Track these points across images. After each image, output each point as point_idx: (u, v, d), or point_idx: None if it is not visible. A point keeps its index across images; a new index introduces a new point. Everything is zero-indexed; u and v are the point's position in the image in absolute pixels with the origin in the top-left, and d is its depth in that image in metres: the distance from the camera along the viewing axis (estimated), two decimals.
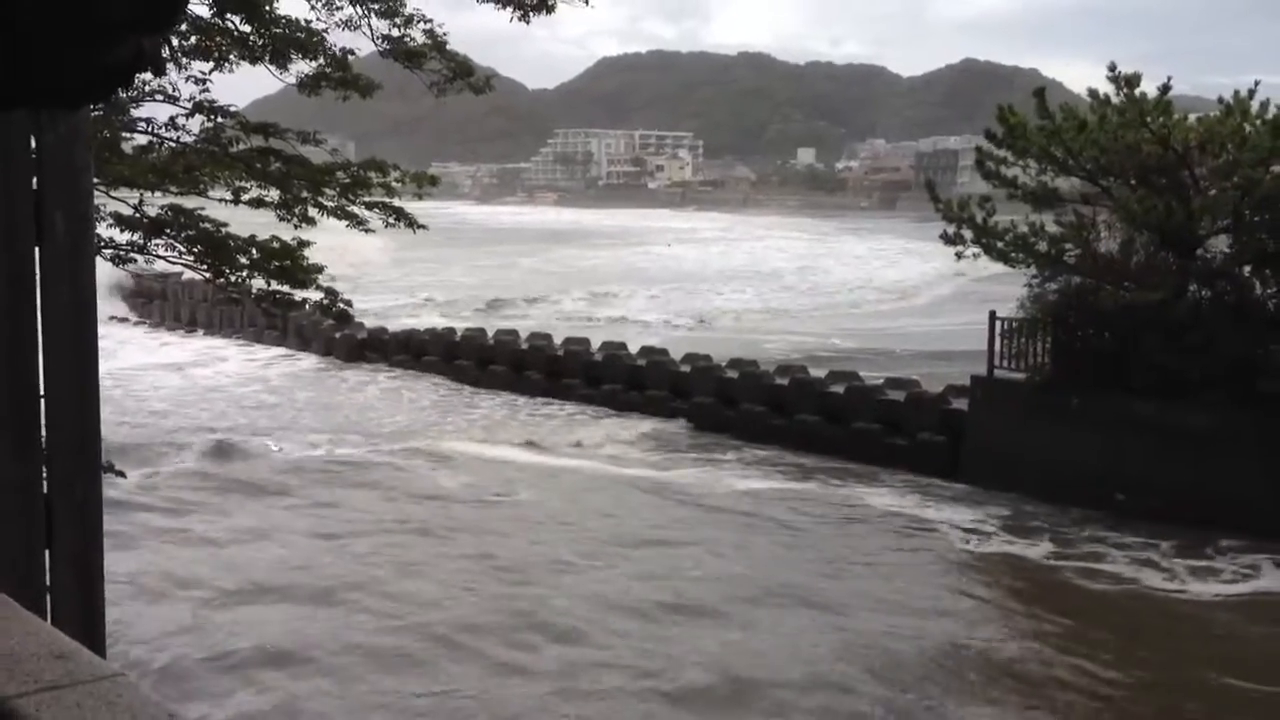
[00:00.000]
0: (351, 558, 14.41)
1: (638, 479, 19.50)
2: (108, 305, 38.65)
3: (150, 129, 11.13)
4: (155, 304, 40.62)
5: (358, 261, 51.28)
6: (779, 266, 69.89)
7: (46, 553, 3.55)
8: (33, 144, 3.57)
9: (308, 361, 31.70)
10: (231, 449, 20.36)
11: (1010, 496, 17.90)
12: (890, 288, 57.64)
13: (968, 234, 18.87)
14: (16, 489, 3.45)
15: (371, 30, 10.97)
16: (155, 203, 11.32)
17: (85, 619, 3.56)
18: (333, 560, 14.27)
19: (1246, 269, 17.73)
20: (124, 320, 38.90)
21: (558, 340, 28.99)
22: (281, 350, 33.23)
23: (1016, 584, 14.71)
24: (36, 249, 3.59)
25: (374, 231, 12.80)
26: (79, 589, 3.61)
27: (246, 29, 10.54)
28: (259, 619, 12.03)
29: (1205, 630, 12.96)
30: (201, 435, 21.39)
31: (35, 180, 3.58)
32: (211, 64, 10.52)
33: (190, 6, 9.99)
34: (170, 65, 10.24)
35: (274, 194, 11.74)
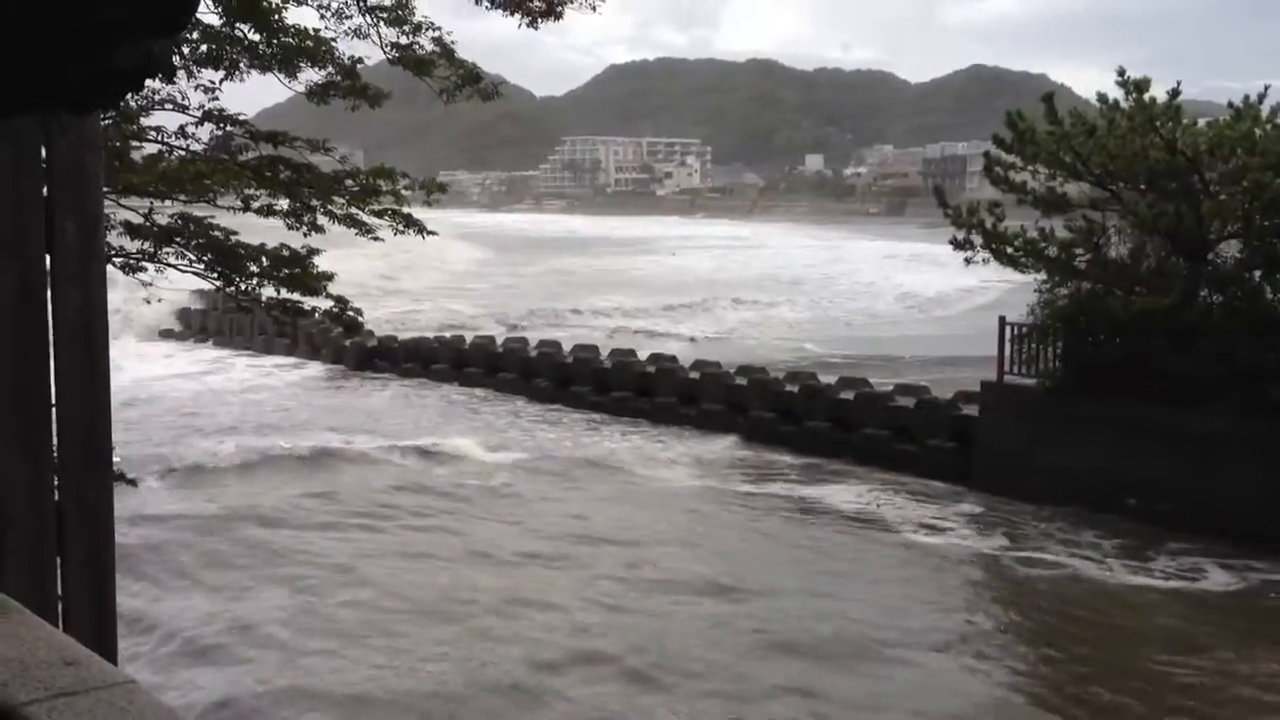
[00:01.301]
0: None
1: (625, 475, 20.03)
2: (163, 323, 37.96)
3: (160, 137, 11.14)
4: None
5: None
6: (799, 274, 69.49)
7: (58, 559, 3.55)
8: (43, 151, 3.57)
9: (316, 370, 31.73)
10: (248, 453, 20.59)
11: (981, 496, 18.36)
12: (920, 296, 56.18)
13: (977, 239, 18.83)
14: (28, 495, 3.45)
15: (380, 38, 10.97)
16: (165, 211, 11.34)
17: (96, 626, 3.56)
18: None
19: (1257, 274, 17.67)
20: (168, 332, 38.05)
21: (566, 348, 29.11)
22: (291, 359, 33.29)
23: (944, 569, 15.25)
24: (47, 256, 3.59)
25: (381, 240, 12.79)
26: (90, 596, 3.60)
27: (256, 37, 10.56)
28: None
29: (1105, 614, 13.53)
30: (216, 442, 21.51)
31: (46, 187, 3.58)
32: (222, 72, 10.53)
33: (201, 14, 10.02)
34: (180, 73, 10.26)
35: (283, 202, 11.75)
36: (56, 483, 3.56)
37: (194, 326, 38.61)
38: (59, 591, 3.54)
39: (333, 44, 10.87)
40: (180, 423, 23.69)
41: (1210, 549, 15.48)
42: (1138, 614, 13.56)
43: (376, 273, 53.11)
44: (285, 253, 11.63)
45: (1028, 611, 13.99)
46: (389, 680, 10.83)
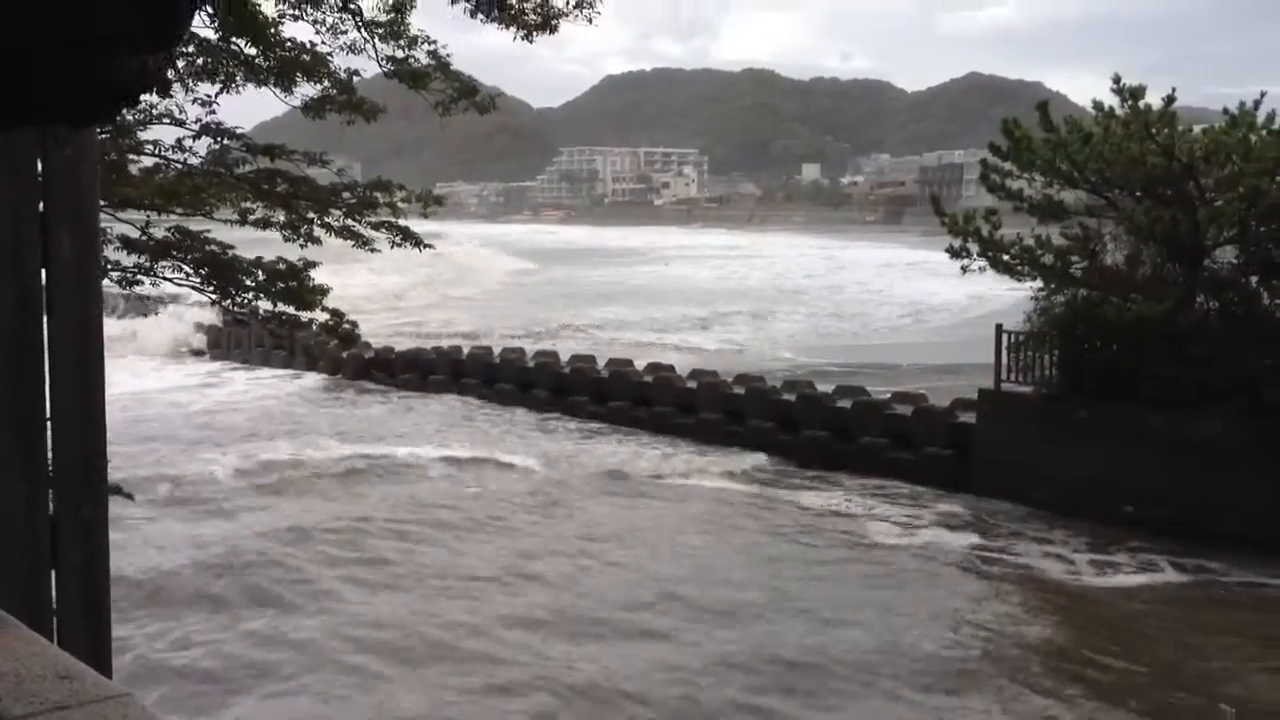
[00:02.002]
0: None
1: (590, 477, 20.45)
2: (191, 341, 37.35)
3: (157, 151, 11.15)
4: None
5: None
6: (800, 284, 69.10)
7: (52, 573, 3.55)
8: (39, 165, 3.58)
9: (314, 382, 31.68)
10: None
11: (965, 500, 18.75)
12: (927, 305, 55.03)
13: (974, 247, 18.86)
14: (23, 509, 3.45)
15: (376, 52, 10.99)
16: (161, 224, 11.35)
17: (91, 639, 3.56)
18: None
19: (1254, 280, 17.70)
20: (201, 353, 37.14)
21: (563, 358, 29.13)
22: (289, 371, 33.23)
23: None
24: (43, 270, 3.59)
25: (378, 251, 12.77)
26: (85, 609, 3.60)
27: (252, 51, 10.57)
28: None
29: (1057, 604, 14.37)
30: (223, 452, 21.54)
31: (41, 201, 3.59)
32: (218, 86, 10.54)
33: (197, 29, 10.04)
34: (177, 87, 10.27)
35: (280, 215, 11.76)
36: (51, 496, 3.56)
37: (226, 345, 36.71)
38: (53, 605, 3.55)
39: (328, 58, 10.88)
40: (188, 437, 23.68)
41: (1169, 548, 15.99)
42: (1094, 609, 14.11)
43: (414, 284, 53.62)
44: (281, 266, 11.64)
45: (991, 610, 14.21)
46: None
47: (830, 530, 17.35)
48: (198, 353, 37.06)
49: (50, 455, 3.59)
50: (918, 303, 56.67)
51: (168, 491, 18.54)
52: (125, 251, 10.90)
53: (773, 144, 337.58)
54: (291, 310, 11.88)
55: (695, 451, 22.57)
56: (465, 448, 22.40)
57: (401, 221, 12.23)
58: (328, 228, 11.80)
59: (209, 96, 10.74)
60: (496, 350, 31.20)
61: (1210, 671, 12.03)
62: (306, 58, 10.74)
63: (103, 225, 6.98)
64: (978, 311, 48.96)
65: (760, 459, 21.79)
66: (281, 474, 20.14)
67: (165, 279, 11.33)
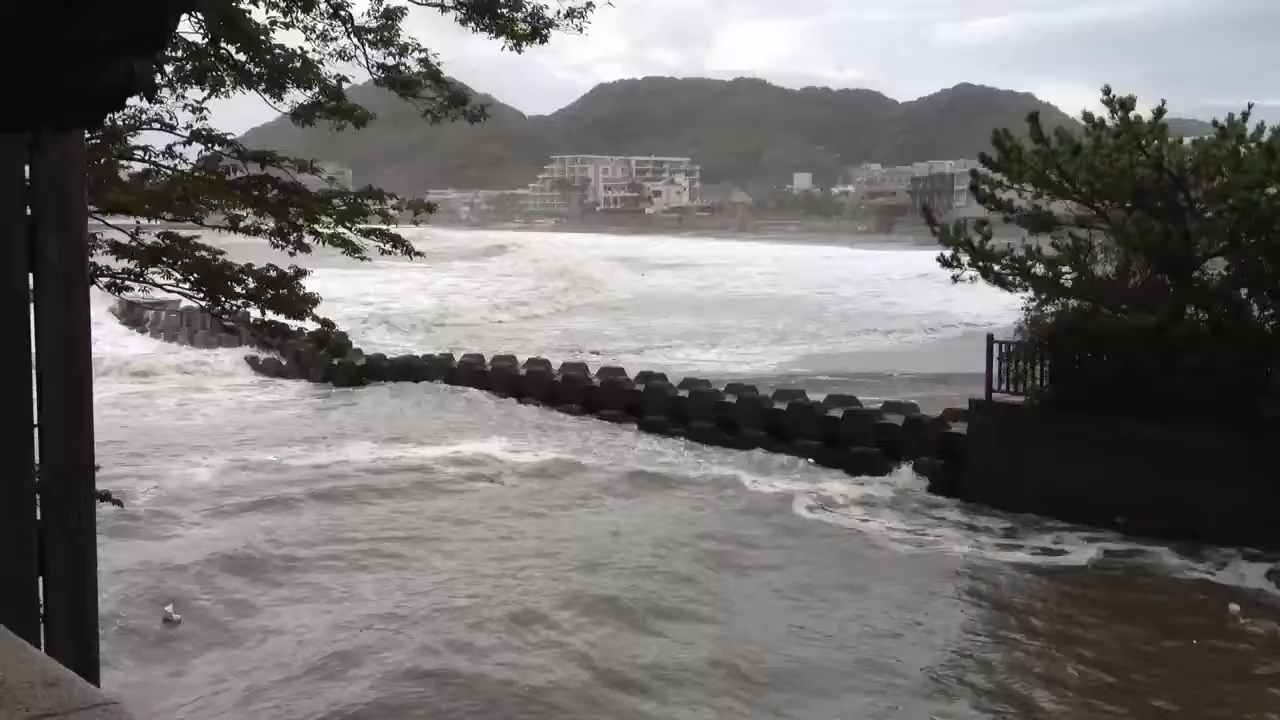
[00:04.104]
0: None
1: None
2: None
3: (147, 156, 11.12)
4: (148, 326, 40.61)
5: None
6: (795, 293, 68.95)
7: (40, 580, 3.53)
8: (26, 169, 3.56)
9: (305, 389, 31.40)
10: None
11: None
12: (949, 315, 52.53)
13: (964, 257, 18.88)
14: (10, 516, 3.44)
15: (367, 59, 10.98)
16: (151, 230, 11.31)
17: (78, 646, 3.54)
18: None
19: (1244, 291, 17.73)
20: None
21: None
22: (279, 379, 32.91)
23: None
24: (30, 275, 3.58)
25: (369, 260, 12.74)
26: (72, 616, 3.59)
27: (242, 57, 10.54)
28: None
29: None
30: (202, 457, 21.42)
31: (29, 207, 3.57)
32: (207, 91, 10.51)
33: (186, 34, 10.03)
34: (166, 92, 10.25)
35: (270, 222, 11.72)
36: (38, 503, 3.54)
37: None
38: (40, 611, 3.53)
39: (318, 65, 10.85)
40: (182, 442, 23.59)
41: (1077, 529, 17.13)
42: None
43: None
44: (272, 273, 11.61)
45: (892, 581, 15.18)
46: None
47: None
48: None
49: (37, 461, 3.57)
50: (915, 313, 56.33)
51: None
52: (115, 257, 10.86)
53: (764, 153, 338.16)
54: (282, 319, 11.85)
55: (693, 454, 22.66)
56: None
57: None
58: (317, 235, 11.77)
59: (199, 103, 10.71)
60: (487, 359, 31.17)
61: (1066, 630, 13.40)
62: (296, 64, 10.71)
63: (92, 230, 6.96)
64: (974, 322, 48.84)
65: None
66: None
67: (155, 285, 11.30)
